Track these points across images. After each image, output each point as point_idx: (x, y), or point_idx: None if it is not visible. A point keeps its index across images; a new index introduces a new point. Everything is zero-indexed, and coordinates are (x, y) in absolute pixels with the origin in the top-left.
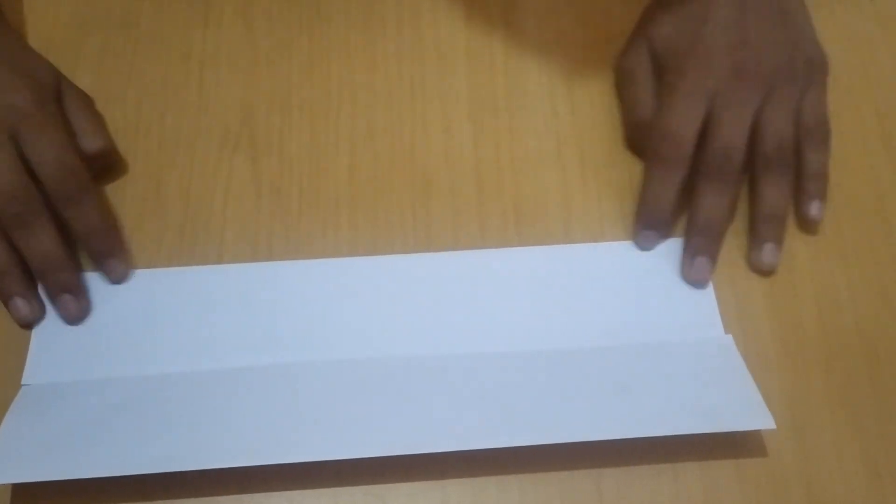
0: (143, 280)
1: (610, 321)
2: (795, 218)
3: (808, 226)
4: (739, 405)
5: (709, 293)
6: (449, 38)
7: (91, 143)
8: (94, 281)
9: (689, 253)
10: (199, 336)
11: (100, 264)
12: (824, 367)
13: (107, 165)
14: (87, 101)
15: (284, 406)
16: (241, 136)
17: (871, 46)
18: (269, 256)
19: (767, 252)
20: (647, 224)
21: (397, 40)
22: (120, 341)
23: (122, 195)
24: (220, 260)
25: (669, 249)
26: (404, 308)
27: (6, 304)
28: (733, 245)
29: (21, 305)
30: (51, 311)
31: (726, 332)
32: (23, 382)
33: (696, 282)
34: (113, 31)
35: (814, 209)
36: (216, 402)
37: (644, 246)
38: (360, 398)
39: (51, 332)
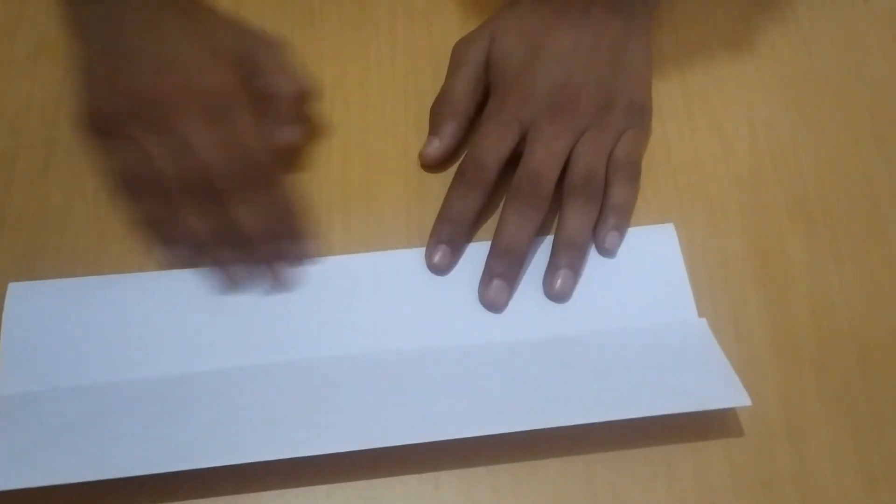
0: (114, 285)
1: (585, 308)
2: (596, 247)
3: (605, 255)
4: (715, 385)
5: (682, 278)
6: (442, 39)
7: (284, 135)
8: (61, 287)
9: (487, 275)
10: (178, 338)
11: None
12: (818, 368)
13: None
14: (283, 68)
15: (270, 403)
16: None
17: (864, 46)
18: None
19: (560, 278)
20: (442, 239)
21: (390, 41)
22: (94, 347)
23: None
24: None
25: (643, 237)
26: (385, 303)
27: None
28: (730, 247)
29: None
30: (20, 319)
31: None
32: None
33: (490, 304)
34: None
35: (609, 240)
36: (197, 403)
37: (436, 262)
38: (344, 393)
39: (21, 340)
